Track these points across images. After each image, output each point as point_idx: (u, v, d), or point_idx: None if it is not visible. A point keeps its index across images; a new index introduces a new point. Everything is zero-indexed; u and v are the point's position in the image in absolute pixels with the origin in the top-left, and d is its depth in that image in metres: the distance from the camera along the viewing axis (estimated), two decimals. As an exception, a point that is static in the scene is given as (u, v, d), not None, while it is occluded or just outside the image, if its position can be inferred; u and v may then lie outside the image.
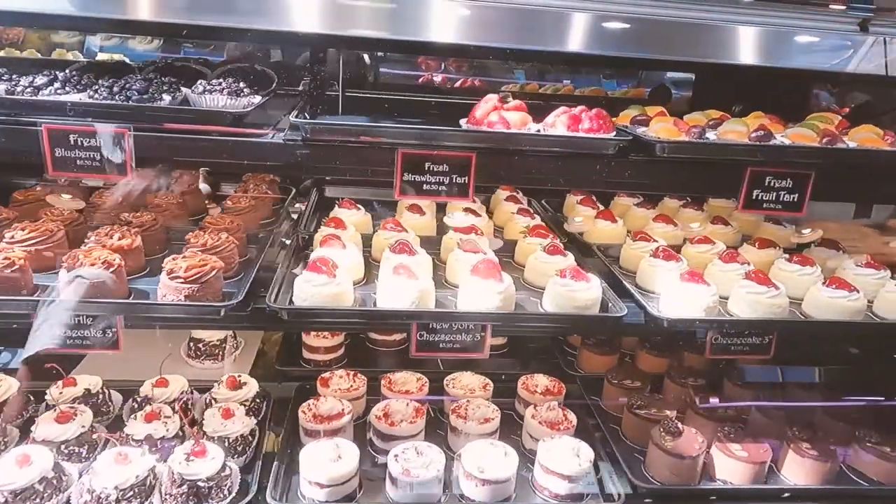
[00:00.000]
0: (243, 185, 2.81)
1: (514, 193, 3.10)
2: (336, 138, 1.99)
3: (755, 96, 2.90)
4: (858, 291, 2.21)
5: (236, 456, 2.17)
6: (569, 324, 2.20)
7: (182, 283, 1.83)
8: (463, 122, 2.22)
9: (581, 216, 2.87)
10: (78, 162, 1.82)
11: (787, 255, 2.49)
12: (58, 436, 2.10)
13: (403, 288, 1.99)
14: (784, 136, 2.35)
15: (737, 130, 2.28)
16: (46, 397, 2.32)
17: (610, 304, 2.13)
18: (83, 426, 2.14)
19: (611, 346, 2.97)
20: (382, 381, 2.54)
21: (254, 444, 2.25)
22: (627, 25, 2.24)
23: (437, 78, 4.77)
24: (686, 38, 2.59)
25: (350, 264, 2.16)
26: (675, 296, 2.17)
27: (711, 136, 2.28)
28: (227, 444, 2.16)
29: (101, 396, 2.36)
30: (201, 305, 1.86)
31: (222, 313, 1.88)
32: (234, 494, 2.03)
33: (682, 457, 2.22)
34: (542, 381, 2.61)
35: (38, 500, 1.88)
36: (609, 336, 2.92)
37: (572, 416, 2.40)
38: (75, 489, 1.95)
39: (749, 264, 2.39)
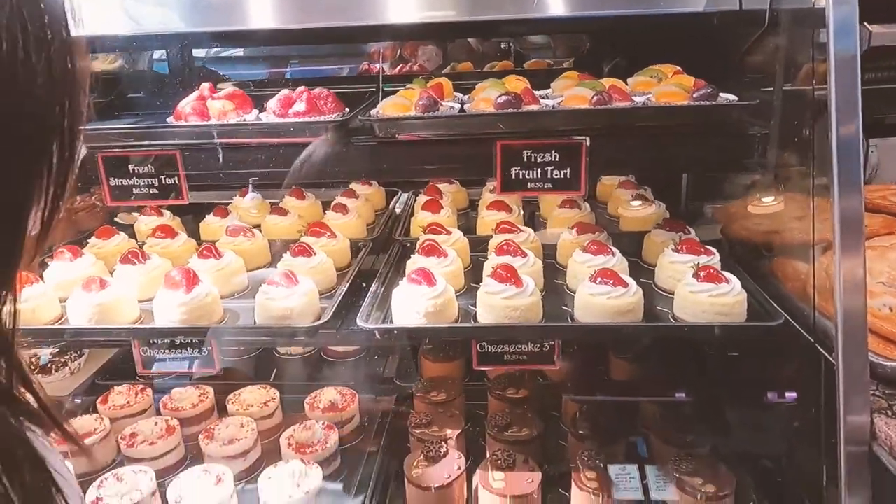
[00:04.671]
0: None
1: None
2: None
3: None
4: (626, 286, 1.76)
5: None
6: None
7: None
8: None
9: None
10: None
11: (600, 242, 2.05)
12: None
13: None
14: (557, 99, 1.94)
15: (488, 97, 1.89)
16: None
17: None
18: None
19: (453, 352, 2.61)
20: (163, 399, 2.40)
21: None
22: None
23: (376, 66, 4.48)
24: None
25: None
26: (398, 299, 1.85)
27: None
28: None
29: None
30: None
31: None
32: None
33: (423, 487, 1.88)
34: (329, 395, 2.33)
35: None
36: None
37: (333, 438, 2.11)
38: None
39: (526, 254, 2.00)
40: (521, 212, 2.58)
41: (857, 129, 1.44)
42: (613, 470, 1.96)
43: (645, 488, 1.95)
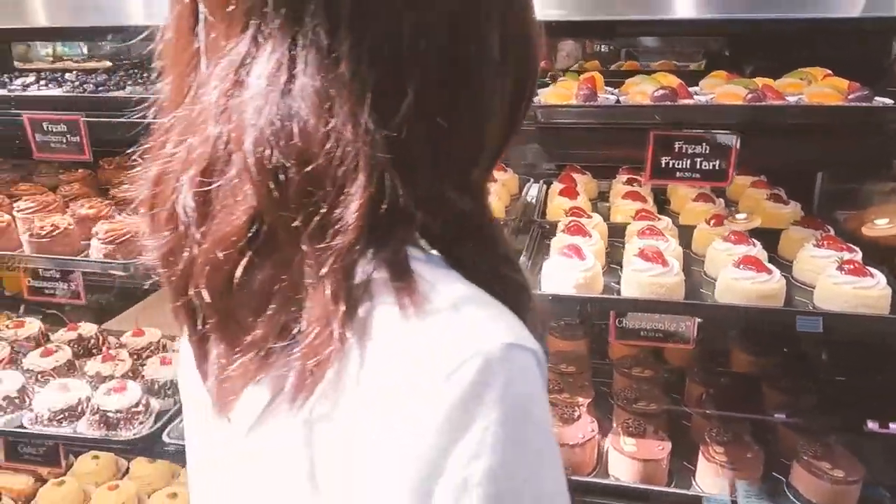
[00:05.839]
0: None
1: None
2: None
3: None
4: (770, 272, 1.87)
5: (164, 398, 2.49)
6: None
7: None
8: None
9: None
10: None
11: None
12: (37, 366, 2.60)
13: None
14: (708, 95, 2.07)
15: (644, 91, 2.05)
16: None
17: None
18: (58, 361, 2.63)
19: (580, 331, 2.77)
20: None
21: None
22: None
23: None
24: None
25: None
26: (549, 270, 2.03)
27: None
28: (156, 386, 2.50)
29: (92, 340, 2.84)
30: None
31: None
32: (143, 426, 2.34)
33: (559, 444, 2.05)
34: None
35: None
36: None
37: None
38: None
39: (667, 239, 2.13)
40: (654, 204, 2.70)
41: None
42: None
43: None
